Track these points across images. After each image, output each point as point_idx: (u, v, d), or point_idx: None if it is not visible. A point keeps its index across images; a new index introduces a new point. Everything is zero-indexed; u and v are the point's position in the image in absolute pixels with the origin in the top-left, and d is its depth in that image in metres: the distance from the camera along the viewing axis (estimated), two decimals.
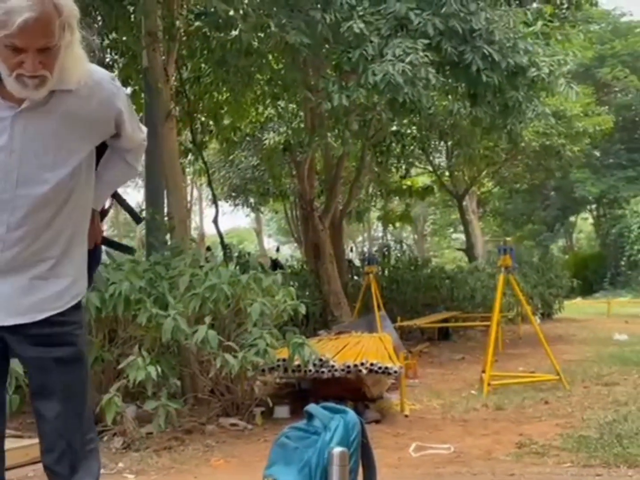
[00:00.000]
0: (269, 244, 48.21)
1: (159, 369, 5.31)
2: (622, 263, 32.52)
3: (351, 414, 3.53)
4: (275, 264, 16.25)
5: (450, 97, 11.65)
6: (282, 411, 6.54)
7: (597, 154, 35.39)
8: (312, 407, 3.60)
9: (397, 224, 25.79)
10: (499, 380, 7.78)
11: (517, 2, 11.31)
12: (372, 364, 6.26)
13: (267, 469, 3.54)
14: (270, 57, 11.79)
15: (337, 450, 3.29)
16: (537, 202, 37.45)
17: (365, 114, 11.67)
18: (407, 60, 9.63)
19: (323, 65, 11.22)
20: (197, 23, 11.19)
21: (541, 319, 16.74)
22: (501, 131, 11.39)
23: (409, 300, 14.23)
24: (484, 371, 7.78)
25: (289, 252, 37.07)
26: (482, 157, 18.62)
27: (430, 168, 21.84)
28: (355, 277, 14.60)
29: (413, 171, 21.76)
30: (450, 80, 10.80)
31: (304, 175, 12.66)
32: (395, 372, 6.29)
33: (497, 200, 35.72)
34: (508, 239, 8.43)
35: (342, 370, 6.26)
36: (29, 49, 2.19)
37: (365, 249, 36.58)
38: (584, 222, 45.69)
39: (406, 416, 6.54)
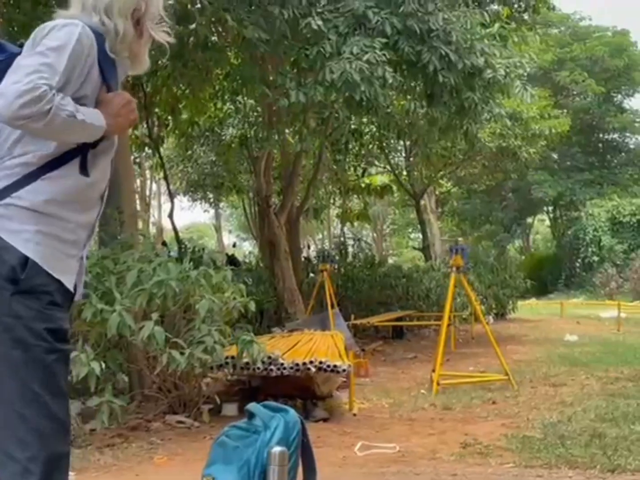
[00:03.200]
0: (230, 239, 48.08)
1: (103, 365, 5.24)
2: (577, 265, 32.94)
3: (292, 413, 3.51)
4: (231, 260, 16.20)
5: (407, 96, 11.68)
6: (230, 409, 6.50)
7: (555, 156, 35.96)
8: (252, 406, 3.56)
9: (356, 222, 25.83)
10: (448, 380, 7.81)
11: (475, 3, 11.35)
12: (321, 362, 6.24)
13: (206, 468, 3.50)
14: (228, 51, 11.73)
15: (277, 449, 3.27)
16: (495, 203, 37.83)
17: (323, 112, 11.65)
18: (365, 58, 9.63)
19: (281, 62, 11.18)
20: None
21: (495, 319, 16.91)
22: (457, 131, 11.47)
23: (364, 298, 14.25)
24: (434, 370, 7.81)
25: (249, 248, 36.97)
26: (440, 156, 18.75)
27: (388, 167, 21.92)
28: (312, 275, 14.58)
29: (372, 170, 21.85)
30: (407, 80, 10.84)
31: (261, 172, 12.61)
32: (344, 370, 6.28)
33: (455, 200, 36.01)
34: (460, 239, 8.50)
35: (291, 368, 6.24)
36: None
37: (325, 246, 36.70)
38: (541, 224, 46.27)
39: (354, 415, 6.54)
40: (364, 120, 14.66)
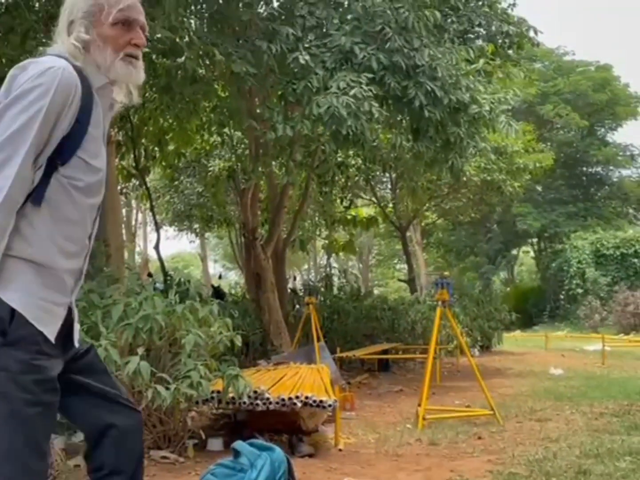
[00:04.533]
0: (215, 269, 48.08)
1: None
2: (562, 297, 33.09)
3: (278, 452, 3.51)
4: (217, 292, 16.16)
5: (393, 130, 11.77)
6: (215, 444, 6.46)
7: (539, 188, 36.25)
8: (239, 444, 3.57)
9: (341, 254, 25.87)
10: (434, 415, 7.79)
11: (461, 39, 11.51)
12: (307, 397, 6.23)
13: None
14: (216, 85, 11.82)
15: None
16: (480, 235, 38.06)
17: (310, 145, 11.74)
18: (351, 93, 9.73)
19: (268, 95, 11.28)
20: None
21: (480, 352, 16.93)
22: (443, 166, 11.54)
23: (349, 330, 14.24)
24: (419, 404, 7.80)
25: (235, 278, 36.91)
26: (425, 189, 18.87)
27: (374, 199, 22.03)
28: (297, 307, 14.57)
29: (358, 202, 21.94)
30: (393, 114, 10.94)
31: (247, 204, 12.65)
32: (330, 405, 6.27)
33: (441, 231, 36.19)
34: (446, 273, 8.53)
35: (277, 403, 6.21)
36: (137, 22, 2.41)
37: (311, 277, 36.68)
38: (526, 255, 46.48)
39: (340, 450, 6.51)
40: (350, 153, 14.75)
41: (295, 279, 19.42)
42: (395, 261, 46.81)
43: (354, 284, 18.15)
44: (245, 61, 10.01)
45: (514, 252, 42.21)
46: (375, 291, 42.89)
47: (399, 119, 11.22)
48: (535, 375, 12.66)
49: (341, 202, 17.62)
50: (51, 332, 2.25)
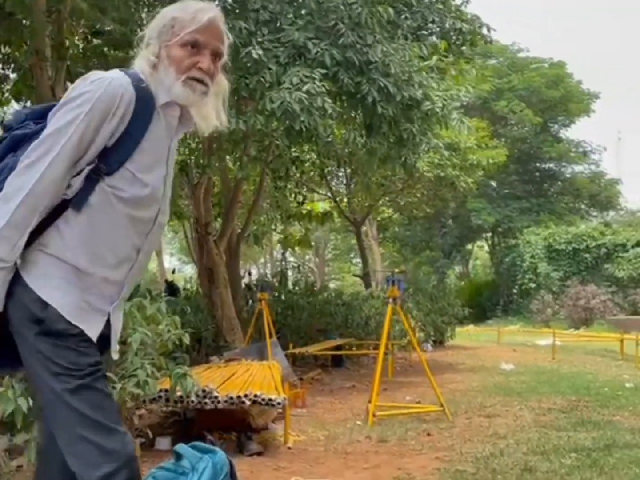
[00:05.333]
0: (171, 263, 47.69)
1: (31, 402, 5.11)
2: (515, 291, 33.49)
3: (220, 454, 3.48)
4: (171, 287, 16.05)
5: (347, 126, 11.76)
6: (163, 442, 6.40)
7: (494, 184, 36.63)
8: (180, 447, 3.52)
9: (297, 248, 25.85)
10: (384, 412, 7.81)
11: (414, 35, 11.53)
12: (255, 395, 6.19)
13: None
14: None
15: None
16: (435, 230, 38.33)
17: (263, 140, 11.67)
18: (304, 89, 9.70)
19: None
20: (95, 41, 11.04)
21: (433, 347, 17.04)
22: (396, 162, 11.56)
23: (303, 326, 14.21)
24: (370, 401, 7.81)
25: (192, 272, 36.65)
26: (379, 185, 18.90)
27: (329, 194, 22.03)
28: (251, 302, 14.49)
29: (313, 196, 21.89)
30: (346, 110, 10.93)
31: (200, 198, 12.54)
32: (279, 403, 6.25)
33: (396, 226, 36.32)
34: (397, 270, 8.53)
35: (226, 401, 6.17)
36: (207, 46, 2.40)
37: (268, 271, 36.61)
38: (480, 250, 46.93)
39: (289, 448, 6.49)
40: (305, 148, 14.70)
41: (250, 274, 19.30)
42: (352, 255, 46.90)
43: (308, 278, 18.15)
44: None
45: (469, 246, 42.59)
46: (332, 285, 42.98)
47: (352, 115, 11.21)
48: (487, 370, 12.77)
49: (295, 197, 17.57)
50: (90, 329, 2.29)
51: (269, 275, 22.44)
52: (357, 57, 10.12)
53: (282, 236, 22.49)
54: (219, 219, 14.73)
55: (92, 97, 2.24)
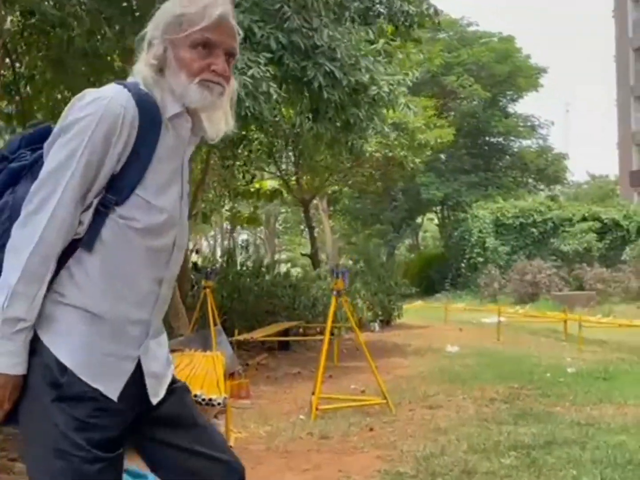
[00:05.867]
0: None
1: None
2: (463, 265, 33.75)
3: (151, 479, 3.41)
4: None
5: (293, 110, 11.64)
6: None
7: (443, 157, 36.79)
8: None
9: (246, 225, 25.73)
10: (327, 405, 7.76)
11: (361, 18, 11.42)
12: (195, 395, 6.09)
13: None
14: (112, 58, 11.42)
15: None
16: (386, 203, 38.42)
17: None
18: (249, 73, 9.56)
19: None
20: (33, 19, 10.72)
21: (381, 326, 17.11)
22: (343, 146, 11.50)
23: (250, 308, 14.14)
24: (313, 393, 7.77)
25: None
26: (326, 167, 18.82)
27: (278, 173, 21.89)
28: (196, 287, 14.32)
29: (263, 174, 21.72)
30: (292, 95, 10.82)
31: None
32: (219, 404, 6.17)
33: (346, 199, 36.36)
34: (341, 262, 8.50)
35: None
36: (220, 45, 2.14)
37: (217, 246, 36.38)
38: (431, 222, 47.30)
39: (230, 447, 6.42)
40: (253, 127, 14.55)
41: (197, 252, 19.14)
42: (302, 227, 46.94)
43: (258, 253, 18.03)
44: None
45: (419, 219, 42.85)
46: (283, 256, 42.90)
47: (298, 99, 11.09)
48: (432, 352, 12.84)
49: (244, 176, 17.42)
50: (112, 390, 2.06)
51: (218, 252, 22.30)
52: (303, 42, 10.02)
53: (230, 214, 22.34)
54: None
55: (91, 123, 2.01)
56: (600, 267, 28.68)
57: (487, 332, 15.96)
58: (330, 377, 9.94)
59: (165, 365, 2.25)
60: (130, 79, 2.17)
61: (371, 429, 6.94)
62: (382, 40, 11.10)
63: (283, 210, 42.43)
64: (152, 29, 2.16)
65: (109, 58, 11.17)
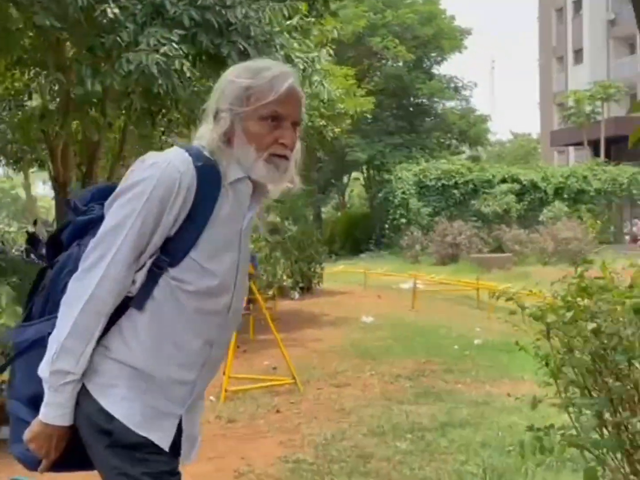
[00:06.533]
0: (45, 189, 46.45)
1: None
2: (387, 226, 34.22)
3: None
4: (33, 240, 15.61)
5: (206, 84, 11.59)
6: (4, 431, 6.36)
7: (368, 116, 36.96)
8: None
9: None
10: (236, 387, 7.90)
11: None
12: None
13: None
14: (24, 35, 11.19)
15: None
16: (312, 164, 38.48)
17: (122, 100, 11.40)
18: (162, 51, 9.54)
19: (79, 48, 10.83)
20: None
21: (300, 294, 17.32)
22: None
23: None
24: (224, 373, 7.91)
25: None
26: None
27: None
28: None
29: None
30: (206, 73, 10.80)
31: (58, 157, 12.18)
32: None
33: None
34: (251, 246, 8.61)
35: None
36: (288, 118, 2.15)
37: None
38: (356, 181, 47.63)
39: None
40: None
41: None
42: None
43: None
44: (49, 13, 9.57)
45: (345, 179, 43.11)
46: None
47: (213, 77, 11.06)
48: (348, 323, 13.06)
49: (162, 147, 17.25)
50: (160, 439, 2.14)
51: None
52: (217, 19, 9.99)
53: None
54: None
55: (149, 187, 2.05)
56: (518, 229, 29.47)
57: (404, 299, 16.26)
58: (245, 352, 10.13)
59: (197, 432, 2.31)
60: (195, 143, 2.18)
61: (278, 411, 7.14)
62: (296, 16, 11.13)
63: None
64: (218, 101, 2.16)
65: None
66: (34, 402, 2.13)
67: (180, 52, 9.65)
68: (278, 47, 10.51)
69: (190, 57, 10.09)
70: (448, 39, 37.67)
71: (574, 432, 3.19)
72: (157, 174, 2.05)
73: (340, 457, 5.61)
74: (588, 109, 40.87)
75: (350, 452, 5.72)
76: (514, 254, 26.56)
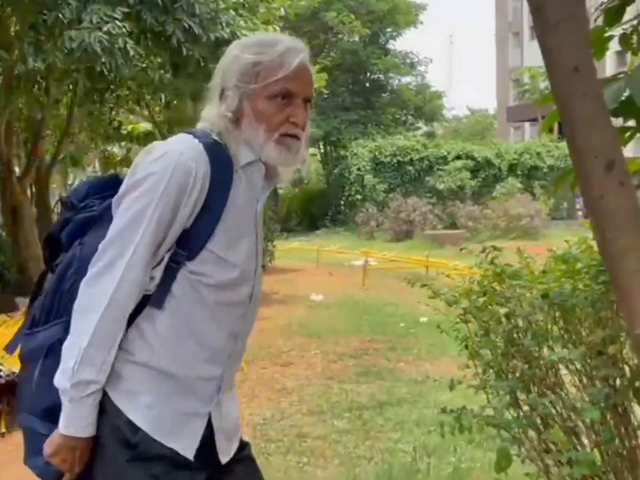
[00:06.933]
0: None
1: None
2: (342, 202, 34.26)
3: None
4: None
5: (151, 64, 11.47)
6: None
7: (325, 91, 36.87)
8: None
9: (119, 168, 25.29)
10: None
11: None
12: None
13: None
14: None
15: None
16: None
17: (64, 79, 11.27)
18: (105, 29, 9.45)
19: (22, 24, 10.65)
20: None
21: None
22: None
23: None
24: None
25: None
26: (195, 119, 18.58)
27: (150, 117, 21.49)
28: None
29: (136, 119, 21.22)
30: (151, 51, 10.72)
31: (2, 135, 12.00)
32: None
33: None
34: None
35: (8, 376, 6.06)
36: (299, 95, 2.02)
37: None
38: (313, 157, 47.55)
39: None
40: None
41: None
42: None
43: None
44: None
45: None
46: None
47: (159, 54, 11.00)
48: (297, 301, 13.11)
49: (111, 123, 17.12)
50: (186, 447, 2.03)
51: None
52: None
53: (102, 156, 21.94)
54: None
55: (163, 179, 1.91)
56: (472, 205, 29.73)
57: (355, 276, 16.34)
58: None
59: (235, 423, 2.22)
60: (199, 125, 2.07)
61: None
62: None
63: None
64: (224, 78, 2.06)
65: None
66: (50, 414, 2.01)
67: (124, 30, 9.56)
68: (224, 24, 10.45)
69: (134, 35, 10.02)
70: (403, 14, 37.59)
71: (491, 412, 3.28)
72: (171, 165, 1.92)
73: (277, 437, 5.69)
74: (543, 85, 41.16)
75: (288, 432, 5.81)
76: (467, 230, 26.80)
